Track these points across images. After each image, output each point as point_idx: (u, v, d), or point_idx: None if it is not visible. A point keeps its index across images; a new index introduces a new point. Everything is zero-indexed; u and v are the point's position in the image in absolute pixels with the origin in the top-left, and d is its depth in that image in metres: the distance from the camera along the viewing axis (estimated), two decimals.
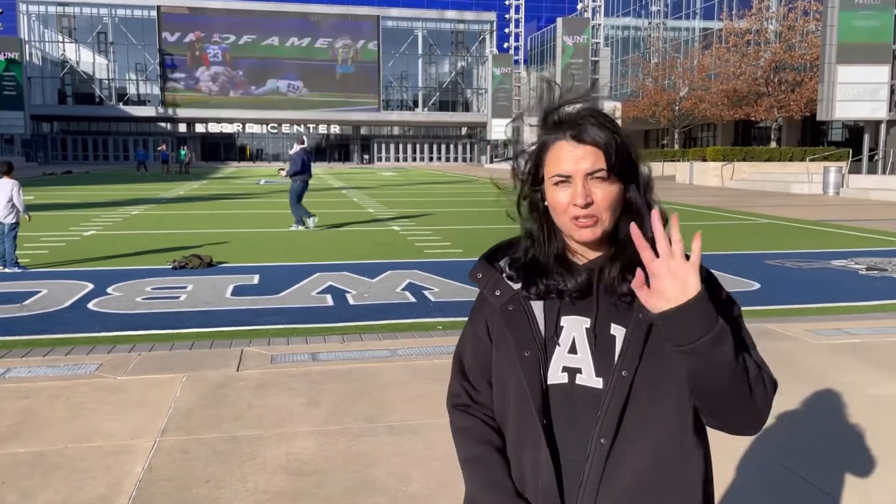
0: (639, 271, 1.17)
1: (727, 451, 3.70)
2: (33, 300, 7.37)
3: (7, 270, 9.00)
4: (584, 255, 1.32)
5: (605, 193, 1.25)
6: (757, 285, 8.38)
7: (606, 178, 1.25)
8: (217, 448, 3.71)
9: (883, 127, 26.98)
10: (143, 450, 3.68)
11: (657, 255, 1.17)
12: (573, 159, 1.25)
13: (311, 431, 3.93)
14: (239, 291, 7.91)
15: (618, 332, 1.27)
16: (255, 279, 8.66)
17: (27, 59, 58.70)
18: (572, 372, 1.29)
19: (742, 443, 3.78)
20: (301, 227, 13.98)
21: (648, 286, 1.17)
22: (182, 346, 5.68)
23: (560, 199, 1.26)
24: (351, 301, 7.48)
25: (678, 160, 40.15)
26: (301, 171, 14.01)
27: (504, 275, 1.36)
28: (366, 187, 30.85)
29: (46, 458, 3.60)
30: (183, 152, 47.99)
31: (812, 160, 30.30)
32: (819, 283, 8.68)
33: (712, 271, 1.32)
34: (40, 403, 4.34)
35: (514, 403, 1.32)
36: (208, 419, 4.09)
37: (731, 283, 8.50)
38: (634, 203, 1.28)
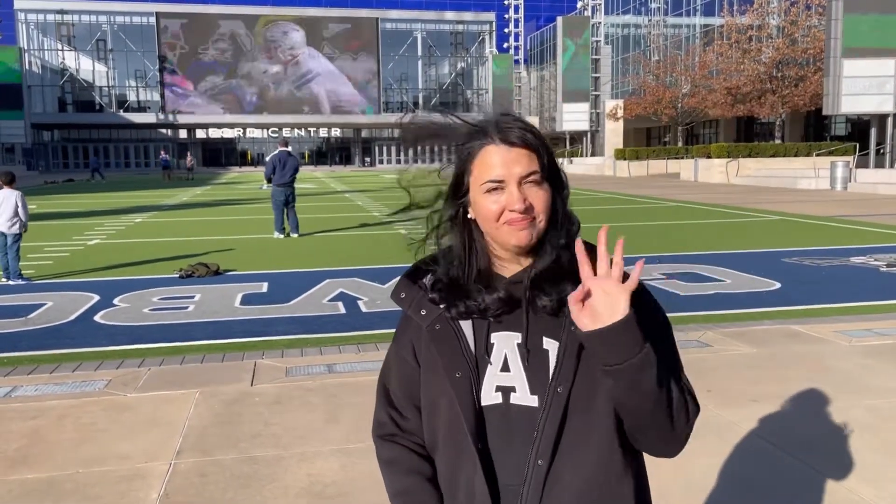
0: (580, 287, 1.14)
1: (778, 467, 3.52)
2: (38, 313, 7.20)
3: (11, 282, 8.84)
4: (511, 268, 1.27)
5: (540, 197, 1.21)
6: (777, 285, 8.19)
7: (540, 182, 1.21)
8: (235, 470, 3.53)
9: (890, 120, 26.78)
10: (157, 474, 3.50)
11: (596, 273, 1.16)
12: (505, 163, 1.19)
13: (333, 450, 3.75)
14: (248, 300, 7.74)
15: (550, 346, 1.23)
16: (264, 287, 8.48)
17: (27, 67, 58.65)
18: (506, 391, 1.23)
19: (796, 460, 3.60)
20: (279, 236, 13.50)
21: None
22: (193, 360, 5.51)
23: (491, 207, 1.20)
24: (363, 308, 7.30)
25: (682, 157, 39.96)
26: (273, 175, 13.42)
27: (429, 296, 1.29)
28: (369, 190, 30.69)
29: (57, 484, 3.42)
30: (167, 157, 47.66)
31: (818, 155, 30.11)
32: (840, 281, 8.48)
33: (648, 289, 1.30)
34: (49, 424, 4.16)
35: (445, 428, 1.26)
36: (224, 439, 3.91)
37: (750, 282, 8.32)
38: (559, 211, 1.25)
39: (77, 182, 40.98)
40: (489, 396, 1.24)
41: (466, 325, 1.26)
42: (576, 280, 1.22)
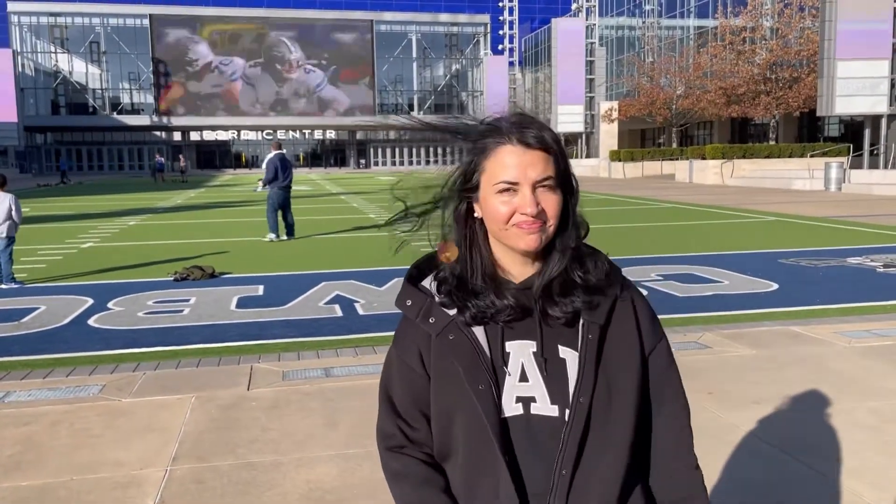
0: None
1: (780, 469, 3.49)
2: (31, 317, 7.12)
3: (3, 286, 8.76)
4: (515, 273, 1.24)
5: (552, 203, 1.19)
6: (775, 286, 8.17)
7: (554, 188, 1.19)
8: (233, 477, 3.48)
9: (883, 121, 26.85)
10: (153, 480, 3.45)
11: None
12: (521, 165, 1.17)
13: (332, 456, 3.70)
14: (244, 303, 7.68)
15: (567, 354, 1.23)
16: (260, 290, 8.42)
17: (20, 70, 58.38)
18: (526, 401, 1.22)
19: (798, 463, 3.57)
20: (274, 238, 13.37)
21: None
22: (188, 364, 5.45)
23: (501, 209, 1.18)
24: (360, 311, 7.25)
25: (676, 159, 40.01)
26: (274, 178, 13.30)
27: (437, 300, 1.26)
28: (365, 192, 30.64)
29: (51, 491, 3.36)
30: (161, 160, 47.56)
31: (812, 156, 30.19)
32: (837, 281, 8.47)
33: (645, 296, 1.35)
34: (42, 430, 4.10)
35: (465, 438, 1.24)
36: (221, 444, 3.86)
37: (748, 283, 8.30)
38: (570, 216, 1.24)
39: (69, 185, 40.80)
40: (510, 407, 1.22)
41: (480, 334, 1.24)
42: (587, 289, 1.23)
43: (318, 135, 72.46)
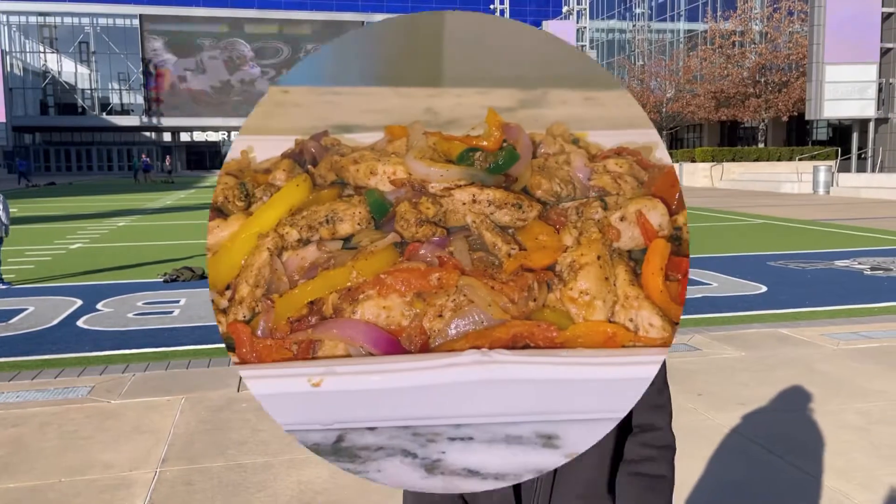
0: None
1: (769, 470, 3.51)
2: (19, 318, 7.08)
3: None
4: None
5: None
6: (763, 288, 8.23)
7: None
8: (223, 478, 3.47)
9: (871, 125, 27.08)
10: (142, 482, 3.44)
11: None
12: None
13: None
14: None
15: None
16: None
17: (8, 69, 57.99)
18: None
19: (787, 464, 3.60)
20: None
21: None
22: (178, 365, 5.43)
23: None
24: None
25: None
26: None
27: None
28: None
29: (40, 493, 3.34)
30: (148, 160, 47.41)
31: (801, 160, 30.39)
32: (825, 284, 8.53)
33: None
34: (31, 432, 4.08)
35: None
36: (211, 446, 3.85)
37: (737, 286, 8.35)
38: None
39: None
40: None
41: None
42: None
43: None
